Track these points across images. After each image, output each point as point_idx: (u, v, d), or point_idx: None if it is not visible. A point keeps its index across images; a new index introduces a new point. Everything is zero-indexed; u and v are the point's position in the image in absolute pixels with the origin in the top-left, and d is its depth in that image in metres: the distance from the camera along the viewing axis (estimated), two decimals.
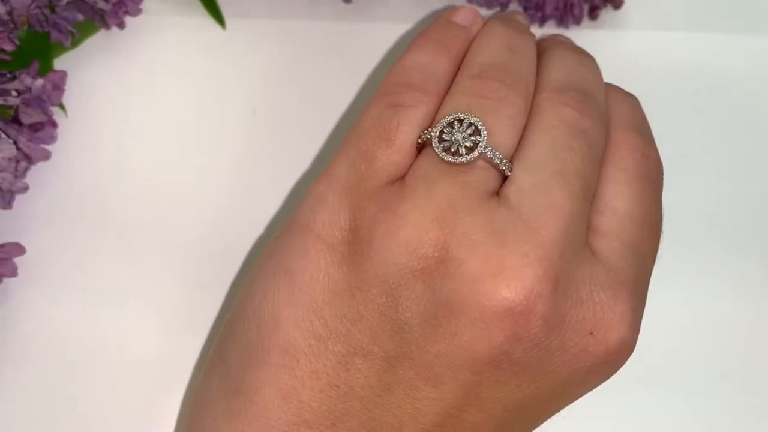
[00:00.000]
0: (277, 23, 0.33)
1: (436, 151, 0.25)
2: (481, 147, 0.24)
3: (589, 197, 0.25)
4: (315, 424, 0.23)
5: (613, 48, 0.34)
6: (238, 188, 0.32)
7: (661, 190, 0.27)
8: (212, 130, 0.32)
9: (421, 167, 0.25)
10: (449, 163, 0.24)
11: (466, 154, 0.24)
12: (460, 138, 0.25)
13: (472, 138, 0.25)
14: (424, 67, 0.27)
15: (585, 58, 0.29)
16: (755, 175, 0.34)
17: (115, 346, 0.30)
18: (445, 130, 0.25)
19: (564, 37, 0.31)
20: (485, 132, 0.25)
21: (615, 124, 0.27)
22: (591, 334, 0.24)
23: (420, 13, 0.34)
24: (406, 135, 0.25)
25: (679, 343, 0.31)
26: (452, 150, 0.24)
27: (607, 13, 0.35)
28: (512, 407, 0.24)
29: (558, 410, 0.26)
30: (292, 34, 0.34)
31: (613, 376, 0.25)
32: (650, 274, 0.26)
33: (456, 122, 0.25)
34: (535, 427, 0.26)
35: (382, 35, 0.34)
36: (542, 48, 0.29)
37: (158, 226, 0.31)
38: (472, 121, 0.25)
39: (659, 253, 0.27)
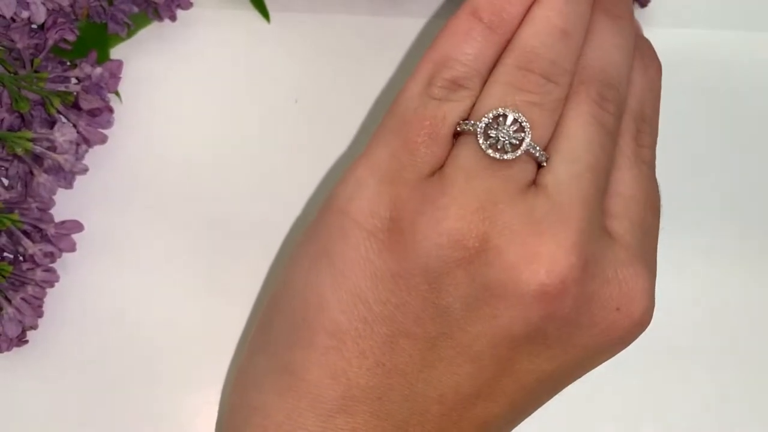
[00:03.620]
0: (318, 17, 0.35)
1: (482, 146, 0.25)
2: (525, 145, 0.25)
3: (606, 185, 0.27)
4: (363, 398, 0.25)
5: None
6: (280, 171, 0.34)
7: (654, 171, 0.29)
8: (256, 116, 0.34)
9: (461, 159, 0.25)
10: (492, 158, 0.25)
11: (511, 151, 0.25)
12: (506, 135, 0.25)
13: (517, 135, 0.25)
14: (472, 61, 0.26)
15: (621, 36, 0.28)
16: None
17: (165, 317, 0.32)
18: (491, 125, 0.25)
19: None
20: (529, 129, 0.25)
21: (626, 110, 0.28)
22: (618, 309, 0.26)
23: (454, 8, 0.36)
24: (448, 128, 0.26)
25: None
26: (498, 147, 0.25)
27: (633, 11, 0.36)
28: (543, 378, 0.26)
29: (580, 376, 0.27)
30: (331, 28, 0.35)
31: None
32: (656, 247, 0.28)
33: (501, 117, 0.25)
34: (558, 391, 0.28)
35: (416, 29, 0.35)
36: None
37: (206, 206, 0.33)
38: (516, 117, 0.25)
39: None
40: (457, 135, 0.26)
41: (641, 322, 0.26)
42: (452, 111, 0.26)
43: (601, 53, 0.27)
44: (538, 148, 0.25)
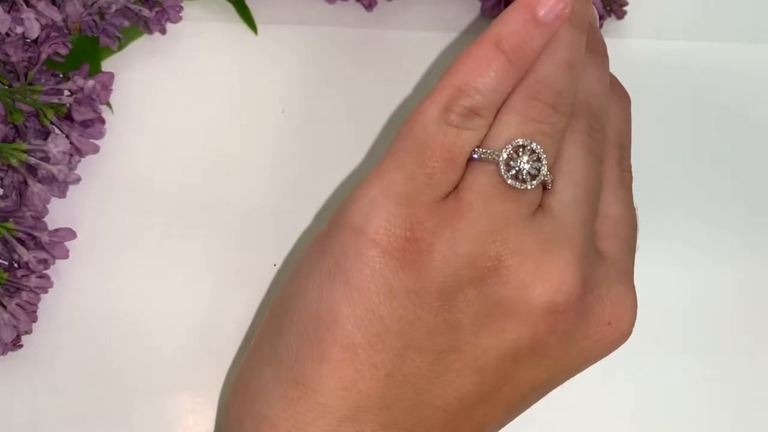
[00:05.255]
0: (304, 29, 0.36)
1: (504, 176, 0.26)
2: (542, 175, 0.26)
3: (597, 208, 0.29)
4: (372, 408, 0.26)
5: (615, 56, 0.35)
6: (267, 179, 0.34)
7: (632, 193, 0.30)
8: (243, 126, 0.35)
9: (479, 185, 0.26)
10: (510, 185, 0.26)
11: (530, 181, 0.26)
12: (526, 166, 0.26)
13: (536, 165, 0.26)
14: (491, 92, 0.27)
15: (601, 69, 0.29)
16: (753, 178, 0.36)
17: (158, 323, 0.33)
18: (512, 156, 0.26)
19: (594, 28, 0.30)
20: (545, 160, 0.26)
21: (608, 138, 0.29)
22: (609, 324, 0.27)
23: (437, 21, 0.36)
24: (465, 156, 0.26)
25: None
26: (518, 177, 0.26)
27: (610, 23, 0.37)
28: (538, 385, 0.27)
29: (564, 382, 0.29)
30: (317, 40, 0.36)
31: None
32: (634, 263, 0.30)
33: (521, 148, 0.26)
34: (545, 395, 0.29)
35: (401, 41, 0.36)
36: None
37: (196, 214, 0.34)
38: (534, 148, 0.26)
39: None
40: (470, 160, 0.27)
41: (626, 334, 0.28)
42: (469, 140, 0.26)
43: (587, 86, 0.28)
44: (549, 175, 0.27)
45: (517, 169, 0.26)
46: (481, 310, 0.26)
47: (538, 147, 0.26)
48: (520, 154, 0.26)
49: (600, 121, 0.28)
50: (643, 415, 0.34)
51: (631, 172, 0.30)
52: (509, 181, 0.26)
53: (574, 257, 0.26)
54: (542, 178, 0.26)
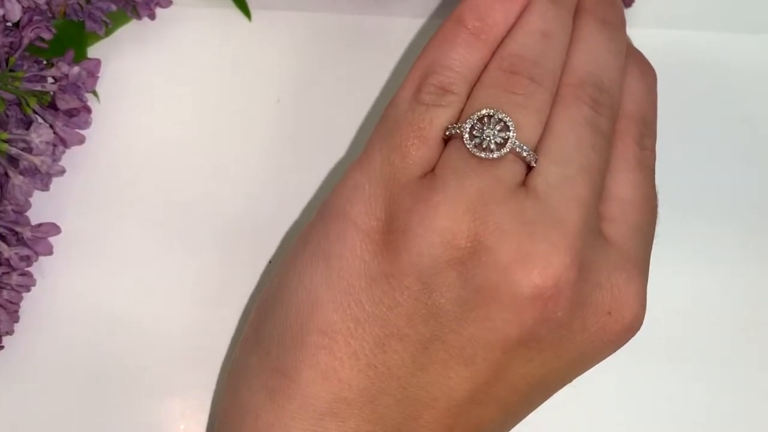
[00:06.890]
0: (300, 15, 0.35)
1: (468, 146, 0.26)
2: (510, 143, 0.26)
3: (601, 188, 0.27)
4: (354, 401, 0.25)
5: None
6: (260, 170, 0.34)
7: (654, 175, 0.29)
8: (237, 117, 0.34)
9: (451, 160, 0.26)
10: (479, 157, 0.26)
11: (496, 150, 0.26)
12: (490, 134, 0.26)
13: (502, 134, 0.26)
14: (458, 66, 0.27)
15: (613, 41, 0.29)
16: (757, 168, 0.35)
17: (145, 321, 0.32)
18: (475, 126, 0.26)
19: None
20: (514, 129, 0.26)
21: (623, 112, 0.29)
22: (609, 314, 0.26)
23: (436, 7, 0.35)
24: (437, 131, 0.26)
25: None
26: (483, 146, 0.26)
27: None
28: (535, 382, 0.26)
29: (571, 380, 0.28)
30: (314, 26, 0.35)
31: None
32: (650, 252, 0.28)
33: (486, 118, 0.26)
34: (550, 396, 0.28)
35: (400, 29, 0.35)
36: (577, 14, 0.29)
37: (186, 208, 0.33)
38: (501, 117, 0.26)
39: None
40: (447, 139, 0.27)
41: (631, 327, 0.26)
42: (440, 115, 0.26)
43: (590, 57, 0.28)
44: (525, 147, 0.26)
45: (481, 138, 0.26)
46: (462, 296, 0.25)
47: (506, 116, 0.26)
48: (486, 123, 0.26)
49: (608, 94, 0.28)
50: (642, 418, 0.33)
51: (653, 151, 0.29)
52: (473, 151, 0.26)
53: (563, 239, 0.25)
54: (511, 146, 0.26)
